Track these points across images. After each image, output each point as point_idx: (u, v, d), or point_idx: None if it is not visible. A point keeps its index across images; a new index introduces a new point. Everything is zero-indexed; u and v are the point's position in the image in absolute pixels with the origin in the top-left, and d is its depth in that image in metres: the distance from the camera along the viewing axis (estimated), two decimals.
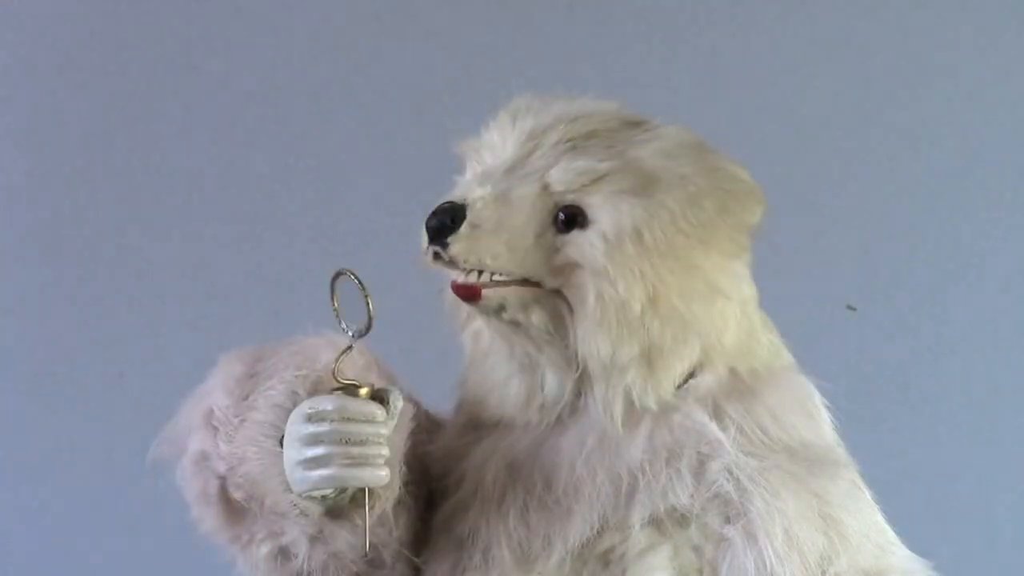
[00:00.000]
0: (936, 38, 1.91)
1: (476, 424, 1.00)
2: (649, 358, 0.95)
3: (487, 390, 0.99)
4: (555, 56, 1.90)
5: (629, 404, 0.95)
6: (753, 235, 0.99)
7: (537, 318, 0.95)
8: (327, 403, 0.91)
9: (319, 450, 0.90)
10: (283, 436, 0.92)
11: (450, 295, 0.96)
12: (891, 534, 1.00)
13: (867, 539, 0.97)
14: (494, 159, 0.98)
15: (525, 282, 0.95)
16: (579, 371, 0.96)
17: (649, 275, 0.93)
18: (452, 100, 1.86)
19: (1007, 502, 1.88)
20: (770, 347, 1.01)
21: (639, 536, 0.95)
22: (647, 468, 0.95)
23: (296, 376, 0.94)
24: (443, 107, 1.86)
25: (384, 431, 0.92)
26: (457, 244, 0.94)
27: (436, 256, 0.95)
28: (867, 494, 0.99)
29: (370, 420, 0.91)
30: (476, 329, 1.01)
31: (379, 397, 0.93)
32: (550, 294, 0.95)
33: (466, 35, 1.92)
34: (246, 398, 0.94)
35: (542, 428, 0.98)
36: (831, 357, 1.75)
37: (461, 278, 0.95)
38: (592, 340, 0.94)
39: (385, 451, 0.91)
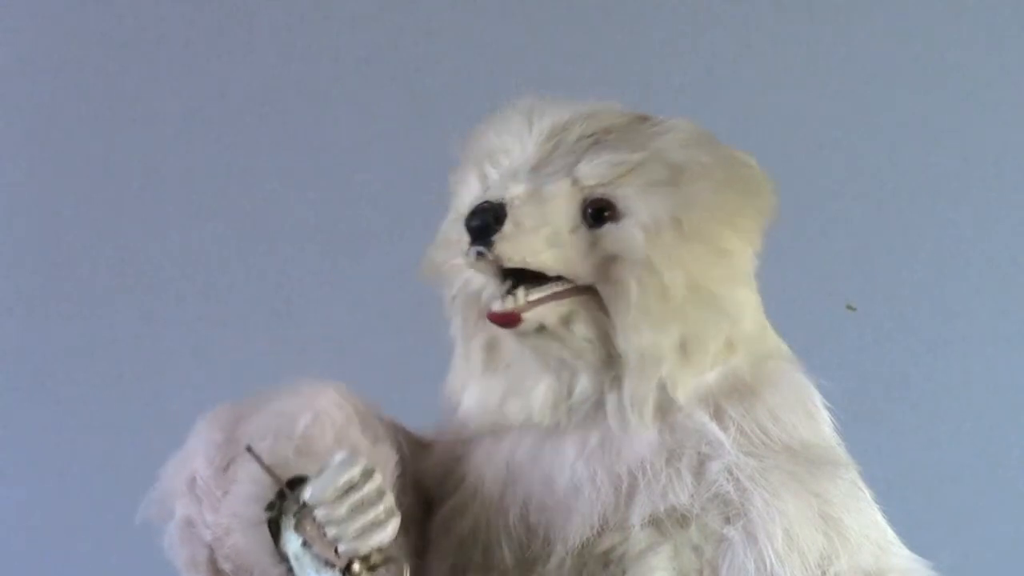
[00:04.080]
0: (937, 38, 1.91)
1: (484, 432, 0.99)
2: (685, 348, 0.95)
3: (502, 399, 0.99)
4: (556, 56, 1.90)
5: (658, 400, 0.95)
6: (770, 221, 1.00)
7: (579, 329, 0.95)
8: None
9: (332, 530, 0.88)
10: (268, 504, 0.90)
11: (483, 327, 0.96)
12: (891, 534, 1.00)
13: (867, 539, 0.97)
14: (513, 160, 0.98)
15: (560, 281, 0.95)
16: (616, 370, 0.96)
17: (688, 262, 0.94)
18: (452, 100, 1.86)
19: (1007, 502, 1.88)
20: (773, 338, 1.02)
21: (639, 536, 0.95)
22: (647, 468, 0.95)
23: (275, 449, 0.91)
24: (443, 107, 1.86)
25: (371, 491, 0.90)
26: (502, 243, 0.93)
27: (479, 256, 0.94)
28: (867, 494, 0.99)
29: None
30: (489, 339, 1.00)
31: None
32: (586, 301, 0.95)
33: (466, 35, 1.92)
34: (226, 468, 0.93)
35: (546, 428, 0.98)
36: (831, 357, 1.75)
37: (498, 306, 0.94)
38: (635, 332, 0.94)
39: (381, 509, 0.89)
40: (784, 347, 1.02)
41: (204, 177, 1.92)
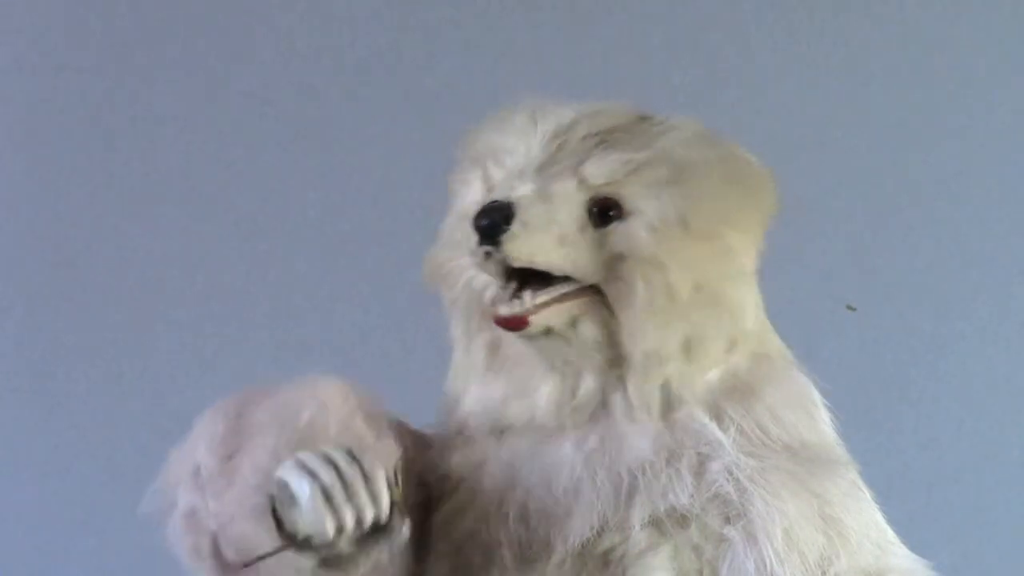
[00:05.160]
0: (937, 38, 1.91)
1: (485, 431, 1.00)
2: (689, 347, 0.95)
3: (505, 399, 0.99)
4: (555, 56, 1.90)
5: (664, 398, 0.95)
6: (772, 219, 1.01)
7: (585, 331, 0.95)
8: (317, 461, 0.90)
9: (317, 494, 0.90)
10: (272, 494, 0.91)
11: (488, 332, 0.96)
12: (891, 534, 1.00)
13: (867, 539, 0.97)
14: (517, 160, 0.98)
15: (566, 282, 0.95)
16: (620, 370, 0.96)
17: (694, 261, 0.95)
18: (452, 100, 1.86)
19: (1007, 502, 1.88)
20: (774, 337, 1.02)
21: (639, 536, 0.95)
22: (647, 468, 0.95)
23: (279, 438, 0.93)
24: (443, 107, 1.86)
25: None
26: (511, 242, 0.93)
27: (487, 255, 0.94)
28: (867, 494, 0.99)
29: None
30: (492, 339, 1.00)
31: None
32: (591, 302, 0.95)
33: (466, 35, 1.92)
34: (230, 458, 0.94)
35: (549, 429, 0.98)
36: (831, 357, 1.75)
37: (505, 310, 0.94)
38: (641, 331, 0.94)
39: (383, 489, 0.91)
40: (783, 346, 1.02)
41: (204, 177, 1.92)
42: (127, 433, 1.87)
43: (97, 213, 1.92)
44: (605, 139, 0.97)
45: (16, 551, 1.90)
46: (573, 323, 0.95)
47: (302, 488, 0.90)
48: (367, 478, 0.90)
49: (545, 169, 0.96)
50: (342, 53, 1.93)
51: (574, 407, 0.97)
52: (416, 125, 1.87)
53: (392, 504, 0.92)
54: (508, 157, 0.98)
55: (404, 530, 0.93)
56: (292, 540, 0.91)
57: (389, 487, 0.92)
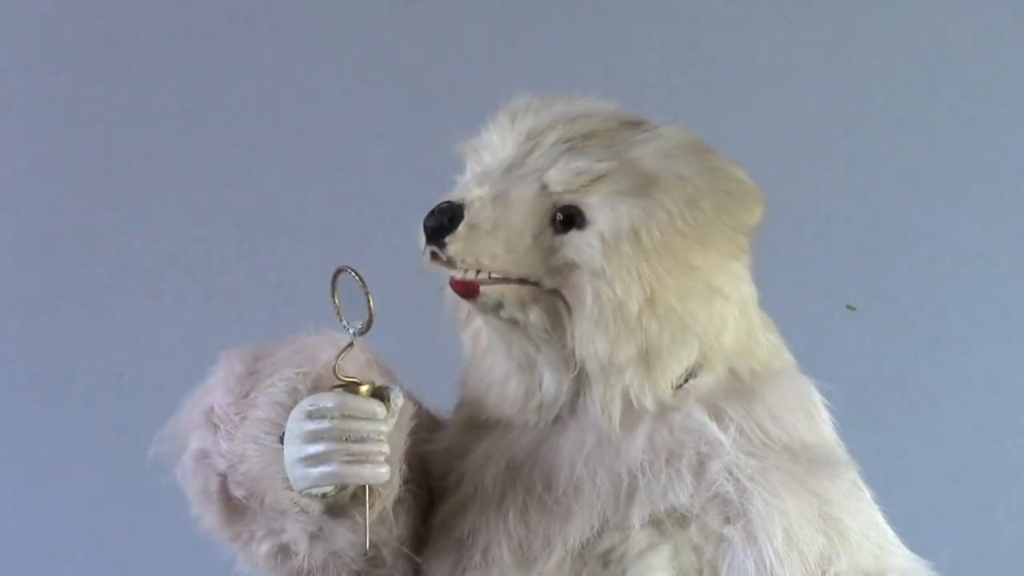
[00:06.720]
0: (936, 38, 1.91)
1: (476, 423, 1.00)
2: (647, 359, 0.95)
3: (486, 389, 1.00)
4: (555, 56, 1.90)
5: (627, 404, 0.95)
6: (753, 236, 0.99)
7: (535, 317, 0.95)
8: (328, 400, 0.91)
9: (319, 447, 0.90)
10: (284, 433, 0.92)
11: (449, 292, 0.96)
12: (891, 534, 1.00)
13: (867, 539, 0.97)
14: (493, 159, 0.98)
15: (523, 282, 0.95)
16: (577, 371, 0.96)
17: (647, 276, 0.94)
18: (452, 100, 1.86)
19: (1007, 502, 1.88)
20: (770, 347, 1.01)
21: (639, 536, 0.95)
22: (647, 468, 0.95)
23: (297, 373, 0.94)
24: (443, 107, 1.86)
25: (384, 428, 0.92)
26: (454, 244, 0.94)
27: (433, 256, 0.95)
28: (867, 494, 0.99)
29: (370, 417, 0.91)
30: (476, 329, 1.01)
31: (380, 395, 0.93)
32: (548, 293, 0.95)
33: (466, 35, 1.92)
34: (247, 396, 0.95)
35: (542, 427, 0.98)
36: (831, 357, 1.75)
37: (459, 275, 0.95)
38: (590, 340, 0.94)
39: (385, 448, 0.91)
40: (784, 351, 1.02)
41: (204, 177, 1.92)
42: (127, 433, 1.86)
43: (97, 213, 1.92)
44: (576, 145, 0.96)
45: (16, 551, 1.90)
46: (523, 306, 0.95)
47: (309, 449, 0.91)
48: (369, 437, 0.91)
49: (512, 171, 0.96)
50: (342, 53, 1.93)
51: (540, 404, 0.97)
52: (416, 125, 1.87)
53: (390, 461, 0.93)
54: (488, 154, 0.98)
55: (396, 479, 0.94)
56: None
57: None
